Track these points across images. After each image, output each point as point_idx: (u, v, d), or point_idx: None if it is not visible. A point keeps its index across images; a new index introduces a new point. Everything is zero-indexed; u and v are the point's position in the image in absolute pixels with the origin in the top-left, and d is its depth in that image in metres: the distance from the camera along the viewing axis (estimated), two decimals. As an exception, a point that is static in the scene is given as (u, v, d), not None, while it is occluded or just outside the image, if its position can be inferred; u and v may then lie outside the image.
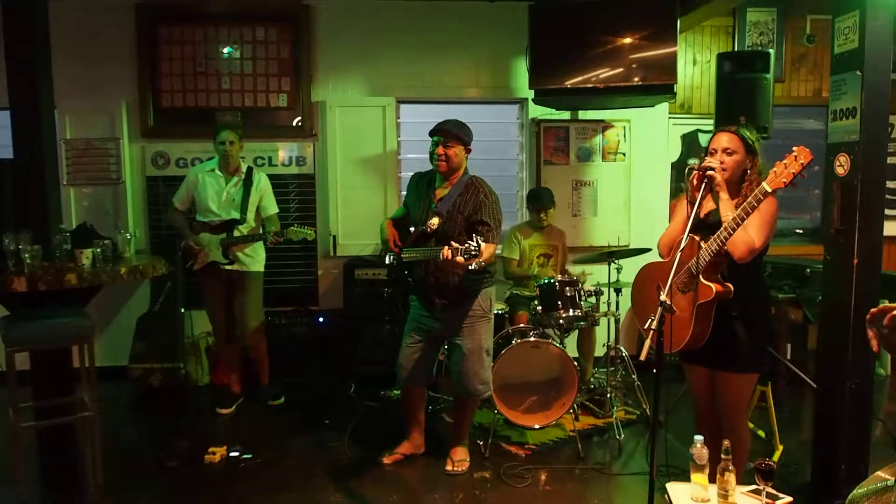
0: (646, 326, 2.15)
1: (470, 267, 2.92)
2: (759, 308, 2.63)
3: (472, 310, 3.27)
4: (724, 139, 2.52)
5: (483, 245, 2.89)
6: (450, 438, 3.57)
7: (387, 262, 3.41)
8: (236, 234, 4.11)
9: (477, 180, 3.28)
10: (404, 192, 5.07)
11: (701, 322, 2.47)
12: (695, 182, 2.46)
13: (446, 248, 2.91)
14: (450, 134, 3.22)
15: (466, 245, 2.87)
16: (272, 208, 4.28)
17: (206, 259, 4.12)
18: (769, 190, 2.26)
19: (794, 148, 2.22)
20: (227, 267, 4.13)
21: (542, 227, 4.53)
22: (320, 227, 4.94)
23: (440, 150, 3.22)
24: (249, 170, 4.23)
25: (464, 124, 3.31)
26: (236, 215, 4.12)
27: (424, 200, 3.32)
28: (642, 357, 2.13)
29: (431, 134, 3.28)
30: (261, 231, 4.20)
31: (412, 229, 3.32)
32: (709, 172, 2.42)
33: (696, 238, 2.45)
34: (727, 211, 2.39)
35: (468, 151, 3.31)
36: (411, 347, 3.38)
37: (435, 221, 3.15)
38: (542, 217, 4.48)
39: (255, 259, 4.24)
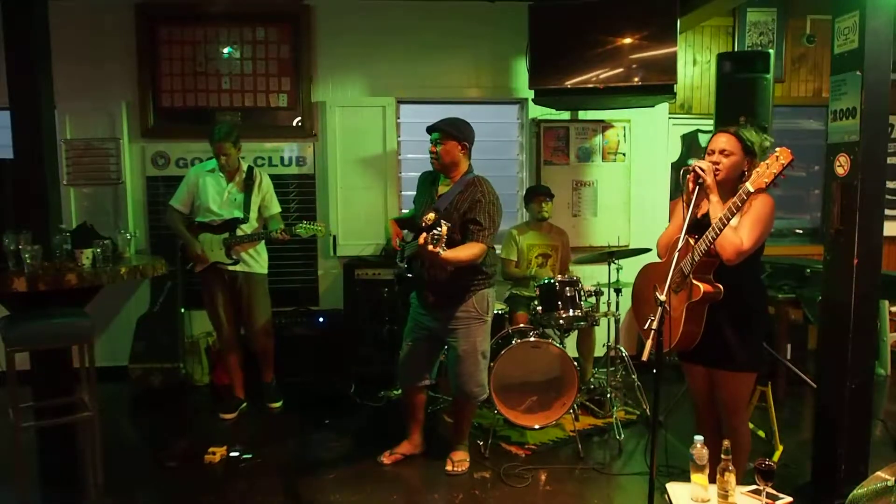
0: (645, 327, 2.16)
1: (437, 252, 2.78)
2: (756, 307, 2.63)
3: (466, 311, 3.24)
4: (722, 140, 2.53)
5: (443, 229, 2.78)
6: (450, 439, 3.57)
7: (397, 260, 3.42)
8: (239, 233, 4.09)
9: (479, 180, 3.26)
10: (404, 192, 5.12)
11: (692, 322, 2.47)
12: (690, 184, 2.47)
13: (423, 235, 2.84)
14: (441, 131, 3.22)
15: (433, 232, 2.80)
16: (275, 208, 4.25)
17: (208, 261, 4.07)
18: (752, 190, 2.29)
19: (777, 149, 2.25)
20: (231, 268, 4.11)
21: (541, 222, 4.53)
22: (320, 227, 4.95)
23: (432, 147, 3.23)
24: (250, 169, 4.20)
25: (461, 121, 3.30)
26: (239, 214, 4.08)
27: (427, 197, 3.32)
28: (644, 357, 2.14)
29: (427, 131, 3.29)
30: (263, 231, 4.19)
31: None
32: (699, 172, 2.43)
33: (691, 239, 2.45)
34: (717, 212, 2.40)
35: (464, 148, 3.26)
36: (410, 346, 3.38)
37: (431, 216, 3.13)
38: (541, 207, 4.47)
39: (258, 261, 4.21)
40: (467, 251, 3.06)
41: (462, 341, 3.25)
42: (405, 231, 3.41)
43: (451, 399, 3.94)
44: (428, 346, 3.39)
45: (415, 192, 3.51)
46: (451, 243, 2.97)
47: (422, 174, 3.49)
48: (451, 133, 3.22)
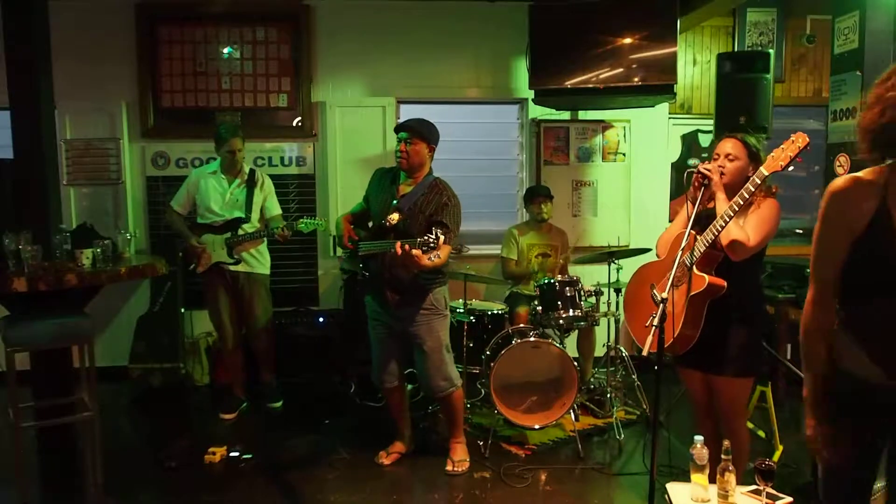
0: (646, 325, 2.15)
1: (427, 259, 2.86)
2: (754, 311, 2.61)
3: (427, 308, 3.26)
4: (729, 145, 2.53)
5: (440, 239, 2.86)
6: (446, 434, 3.57)
7: (346, 257, 3.41)
8: (240, 233, 4.09)
9: (441, 182, 3.28)
10: (404, 192, 5.12)
11: (691, 321, 2.45)
12: (696, 184, 2.48)
13: (399, 242, 2.89)
14: (412, 130, 3.23)
15: (426, 237, 2.85)
16: (276, 209, 4.26)
17: (210, 260, 4.07)
18: (766, 173, 2.29)
19: (793, 134, 2.25)
20: (233, 268, 4.10)
21: (541, 223, 4.53)
22: (320, 227, 4.95)
23: (402, 146, 3.23)
24: (252, 171, 4.21)
25: (429, 122, 3.32)
26: (240, 214, 4.09)
27: (386, 196, 3.30)
28: (644, 352, 2.13)
29: (396, 131, 3.29)
30: (264, 229, 4.18)
31: (371, 224, 3.32)
32: (704, 173, 2.44)
33: (694, 234, 2.45)
34: (723, 208, 2.40)
35: (431, 150, 3.29)
36: (377, 347, 3.40)
37: (395, 217, 3.15)
38: (541, 209, 4.47)
39: (260, 261, 4.22)
40: (440, 255, 3.06)
41: (427, 338, 3.27)
42: (353, 227, 3.39)
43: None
44: (392, 343, 3.38)
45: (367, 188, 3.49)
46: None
47: (377, 171, 3.49)
48: (422, 133, 3.24)
